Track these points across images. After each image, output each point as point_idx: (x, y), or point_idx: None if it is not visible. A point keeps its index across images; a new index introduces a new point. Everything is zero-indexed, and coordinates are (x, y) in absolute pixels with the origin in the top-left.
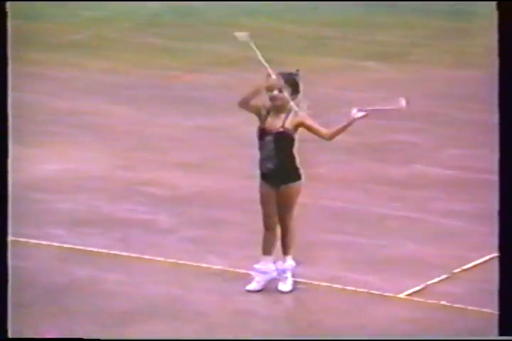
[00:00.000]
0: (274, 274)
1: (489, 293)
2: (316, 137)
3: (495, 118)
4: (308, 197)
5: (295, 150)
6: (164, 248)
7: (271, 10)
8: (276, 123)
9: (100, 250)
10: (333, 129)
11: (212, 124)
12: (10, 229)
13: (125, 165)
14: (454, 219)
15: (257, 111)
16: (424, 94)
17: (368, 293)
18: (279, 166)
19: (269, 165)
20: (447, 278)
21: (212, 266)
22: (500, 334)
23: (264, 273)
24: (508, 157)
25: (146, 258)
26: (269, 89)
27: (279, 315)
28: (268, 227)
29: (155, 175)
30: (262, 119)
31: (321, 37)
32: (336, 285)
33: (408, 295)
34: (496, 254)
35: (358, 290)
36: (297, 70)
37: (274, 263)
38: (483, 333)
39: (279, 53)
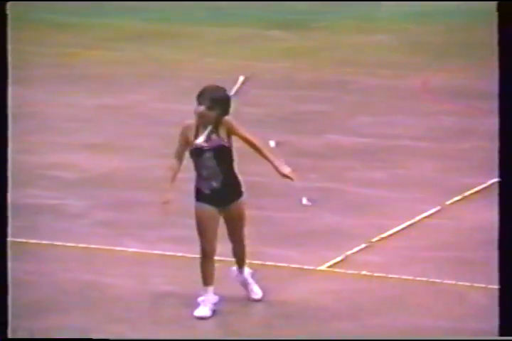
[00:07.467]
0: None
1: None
2: None
3: (404, 83)
4: None
5: (235, 164)
6: (75, 233)
7: None
8: (211, 138)
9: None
10: (264, 150)
11: (116, 102)
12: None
13: (26, 149)
14: (371, 187)
15: (187, 139)
16: (331, 61)
17: (287, 267)
18: (225, 184)
19: (214, 184)
20: (366, 247)
21: (127, 249)
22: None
23: (211, 302)
24: (508, 157)
25: (57, 245)
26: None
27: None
28: (207, 255)
29: (60, 157)
30: (192, 139)
31: (222, 7)
32: (255, 261)
33: (329, 267)
34: (414, 220)
35: (278, 264)
36: (225, 89)
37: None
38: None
39: (179, 25)
